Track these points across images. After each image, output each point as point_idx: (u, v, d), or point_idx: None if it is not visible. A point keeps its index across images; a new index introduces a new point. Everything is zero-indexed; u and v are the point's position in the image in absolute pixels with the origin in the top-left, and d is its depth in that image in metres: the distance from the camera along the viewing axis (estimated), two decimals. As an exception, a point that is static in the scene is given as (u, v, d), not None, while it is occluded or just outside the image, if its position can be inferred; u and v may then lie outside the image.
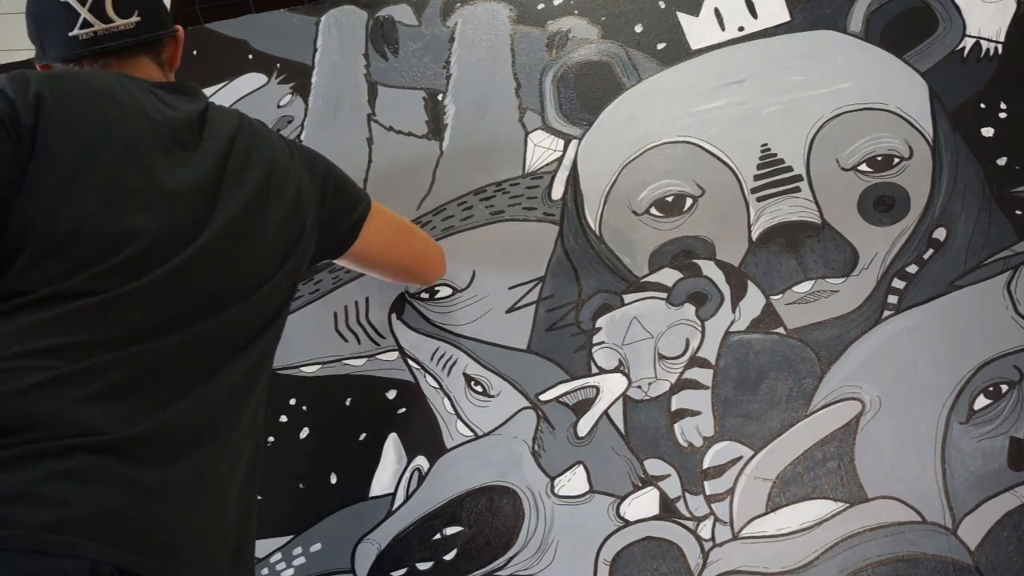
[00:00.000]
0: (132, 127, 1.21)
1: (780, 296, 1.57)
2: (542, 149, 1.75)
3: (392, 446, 1.64)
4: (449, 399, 1.64)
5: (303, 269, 1.38)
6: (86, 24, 1.31)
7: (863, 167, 1.61)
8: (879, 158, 1.61)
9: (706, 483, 1.50)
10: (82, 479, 1.01)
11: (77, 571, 0.98)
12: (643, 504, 1.51)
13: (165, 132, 1.24)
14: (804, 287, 1.57)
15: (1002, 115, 1.60)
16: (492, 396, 1.63)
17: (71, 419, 1.03)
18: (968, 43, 1.65)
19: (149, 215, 1.17)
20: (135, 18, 1.34)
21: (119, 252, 1.13)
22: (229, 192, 1.25)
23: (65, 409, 1.03)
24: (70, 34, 1.31)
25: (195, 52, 1.94)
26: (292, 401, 1.70)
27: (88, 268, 1.11)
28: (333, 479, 1.64)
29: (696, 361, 1.56)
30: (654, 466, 1.52)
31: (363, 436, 1.66)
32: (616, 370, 1.59)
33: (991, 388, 1.46)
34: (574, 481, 1.54)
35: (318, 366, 1.72)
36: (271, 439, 1.68)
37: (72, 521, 0.99)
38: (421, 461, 1.62)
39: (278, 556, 1.60)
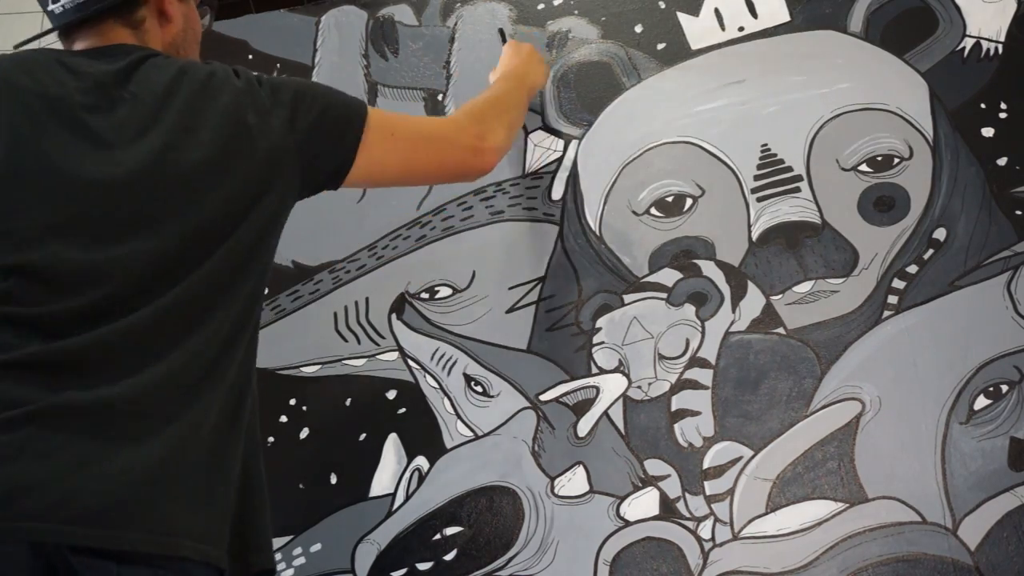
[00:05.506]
0: (26, 109, 1.15)
1: (780, 296, 1.57)
2: (542, 149, 1.75)
3: (392, 446, 1.64)
4: (449, 399, 1.64)
5: (279, 218, 1.25)
6: None
7: (863, 167, 1.61)
8: (879, 158, 1.61)
9: (706, 483, 1.49)
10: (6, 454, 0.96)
11: (14, 556, 0.94)
12: (643, 504, 1.51)
13: (61, 107, 1.15)
14: (804, 287, 1.56)
15: (1002, 115, 1.60)
16: (492, 396, 1.63)
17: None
18: (968, 43, 1.65)
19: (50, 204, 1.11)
20: None
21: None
22: (164, 149, 1.15)
23: None
24: (47, 9, 1.26)
25: (195, 52, 1.94)
26: (292, 401, 1.70)
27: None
28: (333, 479, 1.64)
29: (696, 361, 1.56)
30: (654, 466, 1.52)
31: (363, 436, 1.66)
32: (616, 370, 1.58)
33: (991, 388, 1.46)
34: (574, 481, 1.54)
35: (318, 366, 1.72)
36: (271, 439, 1.68)
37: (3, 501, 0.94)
38: (421, 461, 1.62)
39: (278, 556, 1.60)
